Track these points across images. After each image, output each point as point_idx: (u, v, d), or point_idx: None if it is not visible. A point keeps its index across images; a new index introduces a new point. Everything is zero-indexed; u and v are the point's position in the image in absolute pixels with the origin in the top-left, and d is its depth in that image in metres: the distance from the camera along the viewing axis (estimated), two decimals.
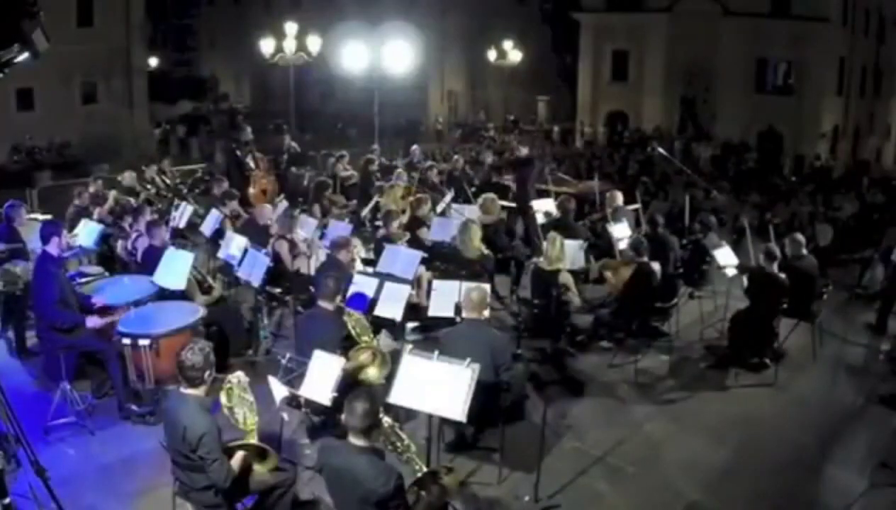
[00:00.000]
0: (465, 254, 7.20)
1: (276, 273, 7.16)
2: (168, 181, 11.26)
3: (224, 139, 16.17)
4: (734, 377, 6.57)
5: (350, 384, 4.57)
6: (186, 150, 21.19)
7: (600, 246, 8.21)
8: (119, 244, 7.93)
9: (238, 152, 12.55)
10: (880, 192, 12.87)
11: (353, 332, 5.23)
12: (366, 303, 5.98)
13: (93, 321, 5.55)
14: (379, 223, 8.78)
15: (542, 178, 11.56)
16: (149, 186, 10.61)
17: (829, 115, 23.11)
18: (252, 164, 12.15)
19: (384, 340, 6.15)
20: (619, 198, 8.92)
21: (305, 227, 7.92)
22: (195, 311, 5.78)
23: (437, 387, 4.14)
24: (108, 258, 8.16)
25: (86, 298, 5.84)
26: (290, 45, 15.79)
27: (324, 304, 5.36)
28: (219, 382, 4.12)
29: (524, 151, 11.59)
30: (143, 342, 5.28)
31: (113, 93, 21.39)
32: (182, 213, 8.78)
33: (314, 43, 15.99)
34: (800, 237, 7.17)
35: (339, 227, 8.01)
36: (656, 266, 6.83)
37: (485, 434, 5.16)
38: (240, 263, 6.92)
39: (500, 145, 21.48)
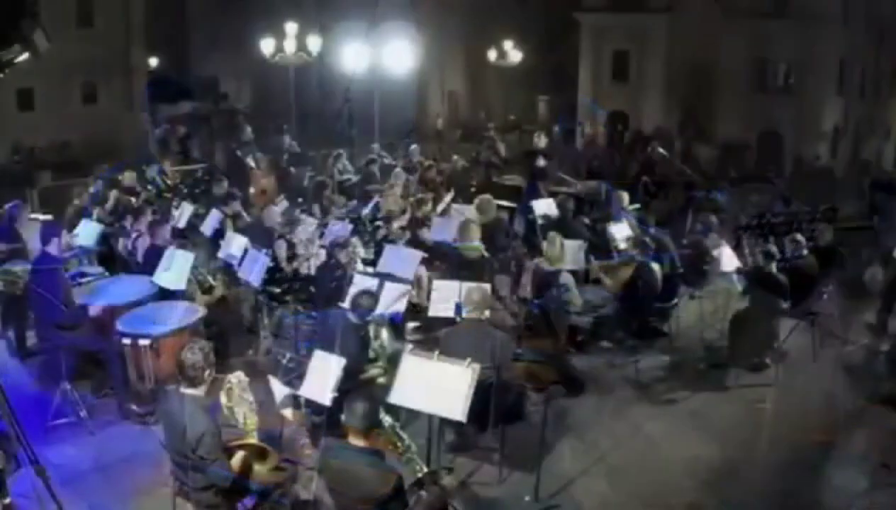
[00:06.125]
0: (465, 254, 7.20)
1: (277, 273, 7.18)
2: (168, 181, 11.26)
3: (224, 139, 16.17)
4: (734, 377, 6.57)
5: None
6: (186, 150, 21.12)
7: (600, 246, 8.21)
8: (120, 244, 7.94)
9: (238, 152, 12.56)
10: (881, 192, 12.83)
11: (373, 346, 5.22)
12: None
13: (95, 309, 5.58)
14: (379, 223, 8.79)
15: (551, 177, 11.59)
16: (149, 186, 10.61)
17: (830, 115, 23.09)
18: (252, 164, 12.15)
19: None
20: (626, 198, 8.91)
21: (305, 228, 7.92)
22: (195, 311, 5.78)
23: (438, 387, 4.14)
24: (108, 258, 8.16)
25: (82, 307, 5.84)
26: (290, 45, 15.78)
27: (351, 316, 5.25)
28: (219, 382, 4.12)
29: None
30: (144, 342, 5.29)
31: (113, 93, 21.36)
32: (182, 213, 8.78)
33: (314, 43, 15.99)
34: (801, 237, 7.17)
35: (339, 227, 8.01)
36: (655, 266, 6.84)
37: (485, 434, 5.16)
38: (240, 263, 6.92)
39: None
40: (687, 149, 20.97)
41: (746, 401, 6.16)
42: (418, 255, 6.92)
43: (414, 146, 13.60)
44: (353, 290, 5.89)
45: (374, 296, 5.34)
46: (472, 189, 11.40)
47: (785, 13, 21.87)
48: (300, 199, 10.13)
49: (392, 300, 5.93)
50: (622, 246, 7.71)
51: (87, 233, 7.80)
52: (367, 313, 5.18)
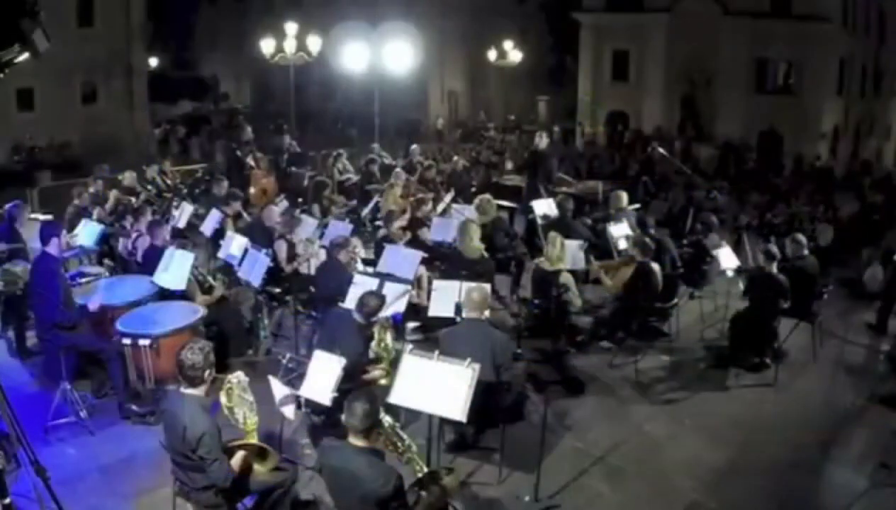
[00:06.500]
0: (465, 254, 7.20)
1: (277, 273, 7.18)
2: (168, 181, 11.26)
3: (224, 139, 16.17)
4: (734, 377, 6.57)
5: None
6: (186, 150, 21.15)
7: (600, 246, 8.22)
8: (119, 244, 7.94)
9: (238, 152, 12.55)
10: (880, 192, 12.85)
11: (376, 347, 5.23)
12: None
13: (94, 305, 5.59)
14: (379, 223, 8.80)
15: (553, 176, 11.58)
16: (149, 186, 10.61)
17: (829, 115, 23.09)
18: (252, 164, 12.15)
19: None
20: (624, 198, 8.91)
21: (305, 228, 7.92)
22: (195, 311, 5.78)
23: (438, 387, 4.14)
24: (108, 258, 8.16)
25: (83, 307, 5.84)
26: (290, 45, 15.78)
27: (356, 316, 5.23)
28: (219, 382, 4.12)
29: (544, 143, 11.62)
30: (144, 342, 5.29)
31: (113, 93, 21.36)
32: (182, 213, 8.78)
33: (314, 43, 15.98)
34: (801, 237, 7.17)
35: (339, 227, 8.01)
36: (655, 266, 6.84)
37: (485, 434, 5.16)
38: (240, 263, 6.92)
39: (500, 145, 21.51)
40: (687, 149, 20.99)
41: (746, 402, 6.16)
42: (418, 254, 6.92)
43: (414, 146, 13.60)
44: (353, 290, 5.89)
45: (381, 297, 5.33)
46: (472, 189, 11.41)
47: (785, 13, 21.86)
48: (300, 199, 10.13)
49: (392, 300, 5.93)
50: (622, 246, 7.72)
51: (87, 233, 7.80)
52: (373, 314, 5.17)
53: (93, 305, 5.61)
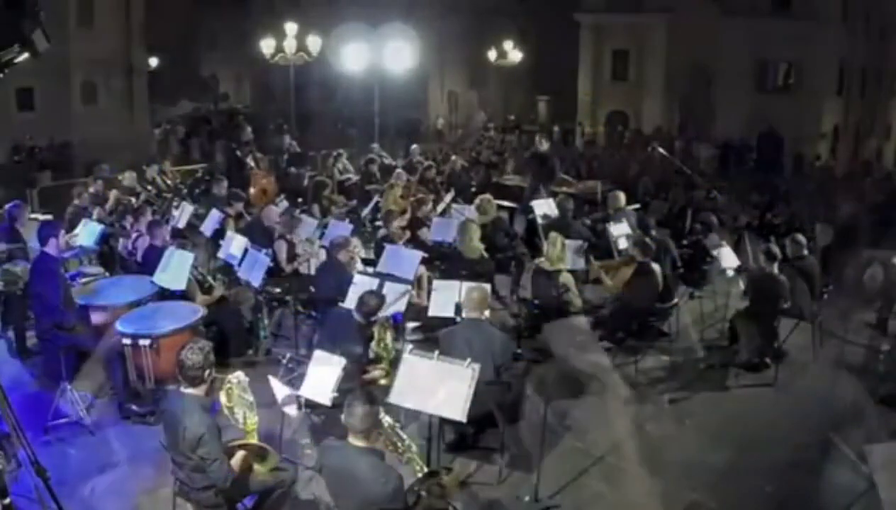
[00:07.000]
0: (465, 254, 7.19)
1: (277, 273, 7.18)
2: (168, 181, 11.26)
3: (224, 139, 16.19)
4: (734, 377, 6.56)
5: None
6: (186, 150, 21.16)
7: (600, 246, 8.22)
8: (119, 244, 7.94)
9: (238, 152, 12.58)
10: (880, 192, 12.85)
11: (376, 347, 5.23)
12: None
13: (97, 317, 5.59)
14: (379, 223, 8.80)
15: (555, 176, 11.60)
16: (149, 186, 10.62)
17: (829, 115, 23.11)
18: (252, 164, 12.16)
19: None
20: (622, 198, 8.91)
21: (305, 228, 7.92)
22: (195, 311, 5.78)
23: (438, 387, 4.14)
24: (108, 258, 8.17)
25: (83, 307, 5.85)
26: (290, 45, 15.80)
27: (356, 316, 5.24)
28: (219, 382, 4.12)
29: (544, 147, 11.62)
30: (144, 342, 5.28)
31: (113, 93, 21.36)
32: (182, 213, 8.78)
33: (314, 43, 16.00)
34: (801, 238, 7.17)
35: (339, 227, 8.01)
36: (655, 266, 6.84)
37: (485, 434, 5.16)
38: (240, 263, 6.92)
39: (500, 145, 21.51)
40: (687, 149, 21.00)
41: (746, 402, 6.16)
42: (418, 254, 6.92)
43: (414, 146, 13.60)
44: (353, 290, 5.89)
45: (381, 296, 5.33)
46: (472, 189, 11.41)
47: (785, 13, 21.88)
48: (300, 199, 10.13)
49: (392, 300, 5.92)
50: (622, 246, 7.72)
51: (87, 233, 7.80)
52: (373, 314, 5.17)
53: (95, 318, 5.62)
